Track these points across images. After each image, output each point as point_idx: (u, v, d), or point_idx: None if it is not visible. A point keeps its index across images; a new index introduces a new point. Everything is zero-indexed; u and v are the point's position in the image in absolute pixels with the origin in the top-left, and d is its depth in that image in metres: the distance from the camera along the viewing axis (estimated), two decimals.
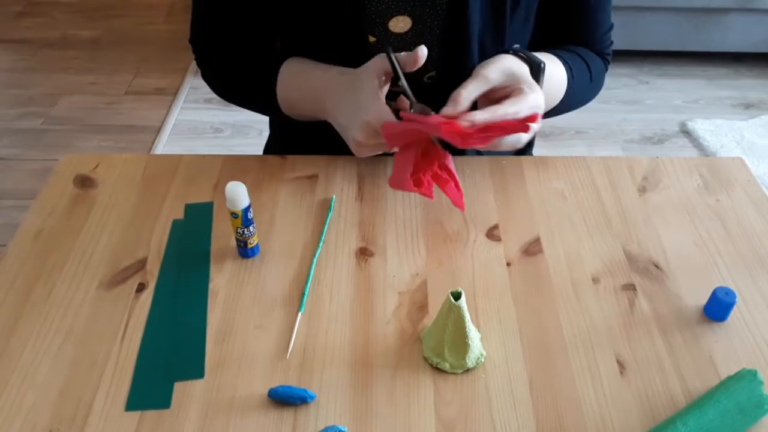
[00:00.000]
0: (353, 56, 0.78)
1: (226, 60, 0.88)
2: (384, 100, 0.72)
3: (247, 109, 0.92)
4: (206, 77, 0.93)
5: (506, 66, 0.70)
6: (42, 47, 2.66)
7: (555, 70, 0.81)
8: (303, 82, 0.81)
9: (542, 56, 0.77)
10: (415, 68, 0.70)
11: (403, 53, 0.70)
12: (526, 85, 0.69)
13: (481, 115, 0.66)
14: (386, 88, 0.74)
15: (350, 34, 0.79)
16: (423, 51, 0.69)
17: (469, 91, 0.68)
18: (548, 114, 0.84)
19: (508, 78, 0.70)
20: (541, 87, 0.74)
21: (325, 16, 0.78)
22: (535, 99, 0.68)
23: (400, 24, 0.79)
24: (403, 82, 0.71)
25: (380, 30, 0.79)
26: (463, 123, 0.65)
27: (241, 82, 0.88)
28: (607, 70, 0.93)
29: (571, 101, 0.86)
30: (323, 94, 0.78)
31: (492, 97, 0.70)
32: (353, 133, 0.72)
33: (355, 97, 0.72)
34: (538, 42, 0.90)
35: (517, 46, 0.78)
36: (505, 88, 0.70)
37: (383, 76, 0.72)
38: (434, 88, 0.85)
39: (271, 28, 0.86)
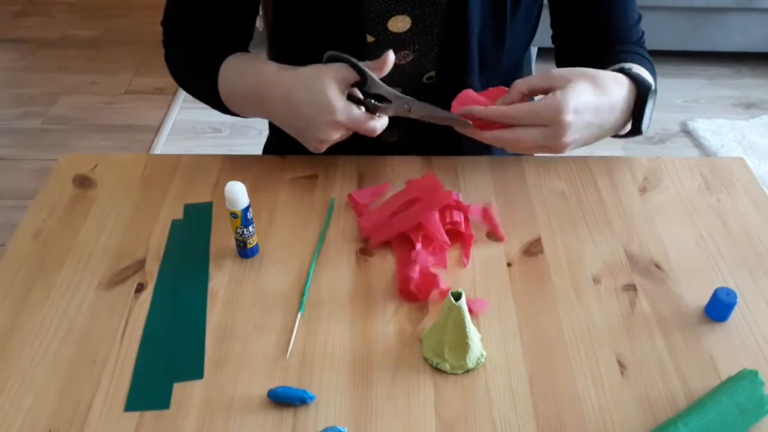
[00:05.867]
0: (351, 55, 0.78)
1: (189, 48, 0.86)
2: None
3: (204, 104, 0.90)
4: (167, 60, 0.89)
5: (579, 70, 0.70)
6: (42, 47, 2.66)
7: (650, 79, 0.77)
8: (241, 80, 0.79)
9: (630, 65, 0.75)
10: (383, 75, 0.70)
11: (369, 62, 0.71)
12: (558, 93, 0.67)
13: (478, 109, 0.70)
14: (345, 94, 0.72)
15: (348, 33, 0.79)
16: (390, 57, 0.70)
17: (527, 80, 0.70)
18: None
19: (549, 81, 0.69)
20: (648, 108, 0.72)
21: (323, 14, 0.78)
22: (549, 108, 0.66)
23: (399, 24, 0.78)
24: (378, 84, 0.72)
25: (379, 29, 0.79)
26: (463, 110, 0.70)
27: (191, 75, 0.86)
28: (648, 57, 0.88)
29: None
30: (266, 92, 0.76)
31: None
32: (319, 134, 0.71)
33: (314, 98, 0.70)
34: (564, 38, 0.88)
35: (628, 66, 0.75)
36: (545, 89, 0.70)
37: (344, 83, 0.71)
38: (433, 87, 0.85)
39: (247, 21, 0.85)
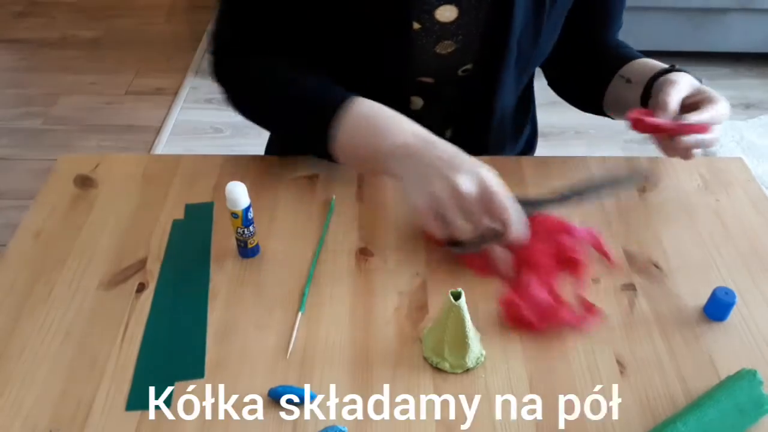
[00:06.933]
0: (395, 43, 0.78)
1: (259, 69, 0.79)
2: None
3: (263, 127, 0.84)
4: (226, 83, 0.83)
5: (688, 79, 0.75)
6: (42, 47, 2.66)
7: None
8: (386, 136, 0.69)
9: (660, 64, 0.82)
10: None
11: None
12: (711, 92, 0.74)
13: (693, 117, 0.71)
14: None
15: (395, 19, 0.78)
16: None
17: (672, 97, 0.72)
18: None
19: (694, 89, 0.75)
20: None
21: (372, 2, 0.76)
22: (725, 105, 0.74)
23: (447, 13, 0.78)
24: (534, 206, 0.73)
25: (426, 17, 0.78)
26: (683, 119, 0.72)
27: (279, 104, 0.78)
28: None
29: None
30: (407, 149, 0.68)
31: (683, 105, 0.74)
32: (457, 179, 0.63)
33: (465, 157, 0.66)
34: (563, 38, 0.89)
35: (669, 66, 0.81)
36: (693, 96, 0.74)
37: None
38: (467, 81, 0.85)
39: (309, 29, 0.79)
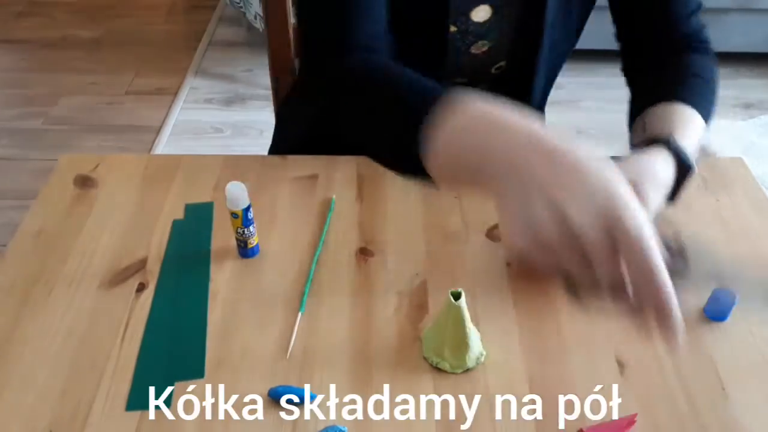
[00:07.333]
0: (432, 46, 0.78)
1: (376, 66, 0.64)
2: None
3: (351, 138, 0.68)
4: (333, 83, 0.67)
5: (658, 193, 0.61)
6: (42, 47, 2.66)
7: (693, 139, 0.70)
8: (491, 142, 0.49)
9: (675, 123, 0.70)
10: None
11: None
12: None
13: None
14: None
15: (432, 22, 0.78)
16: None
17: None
18: None
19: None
20: (684, 186, 0.66)
21: (409, 7, 0.76)
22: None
23: (481, 13, 0.78)
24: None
25: (463, 19, 0.78)
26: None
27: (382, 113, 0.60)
28: (711, 56, 0.83)
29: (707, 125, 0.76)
30: (517, 156, 0.47)
31: None
32: (573, 212, 0.42)
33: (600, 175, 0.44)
34: (622, 36, 0.87)
35: (673, 138, 0.66)
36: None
37: None
38: (500, 79, 0.85)
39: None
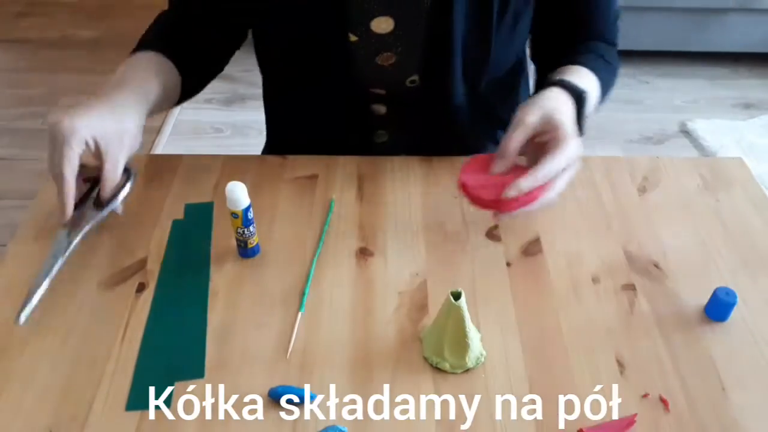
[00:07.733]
0: (334, 54, 0.79)
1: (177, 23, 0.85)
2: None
3: None
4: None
5: (544, 109, 0.68)
6: (42, 47, 2.66)
7: (590, 85, 0.78)
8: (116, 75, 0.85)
9: (571, 72, 0.78)
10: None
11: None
12: (561, 131, 0.67)
13: (526, 183, 0.65)
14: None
15: (332, 31, 0.79)
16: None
17: (514, 141, 0.67)
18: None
19: (546, 123, 0.68)
20: (585, 114, 0.74)
21: (308, 11, 0.78)
22: (572, 149, 0.67)
23: (383, 25, 0.78)
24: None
25: (362, 29, 0.79)
26: (511, 193, 0.65)
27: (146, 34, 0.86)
28: (616, 50, 0.90)
29: (602, 101, 0.85)
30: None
31: (534, 141, 0.69)
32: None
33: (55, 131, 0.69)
34: (544, 39, 0.89)
35: (559, 78, 0.76)
36: (545, 133, 0.68)
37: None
38: (416, 92, 0.85)
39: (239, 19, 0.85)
